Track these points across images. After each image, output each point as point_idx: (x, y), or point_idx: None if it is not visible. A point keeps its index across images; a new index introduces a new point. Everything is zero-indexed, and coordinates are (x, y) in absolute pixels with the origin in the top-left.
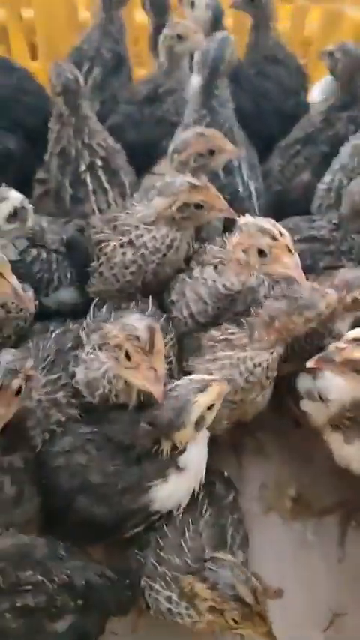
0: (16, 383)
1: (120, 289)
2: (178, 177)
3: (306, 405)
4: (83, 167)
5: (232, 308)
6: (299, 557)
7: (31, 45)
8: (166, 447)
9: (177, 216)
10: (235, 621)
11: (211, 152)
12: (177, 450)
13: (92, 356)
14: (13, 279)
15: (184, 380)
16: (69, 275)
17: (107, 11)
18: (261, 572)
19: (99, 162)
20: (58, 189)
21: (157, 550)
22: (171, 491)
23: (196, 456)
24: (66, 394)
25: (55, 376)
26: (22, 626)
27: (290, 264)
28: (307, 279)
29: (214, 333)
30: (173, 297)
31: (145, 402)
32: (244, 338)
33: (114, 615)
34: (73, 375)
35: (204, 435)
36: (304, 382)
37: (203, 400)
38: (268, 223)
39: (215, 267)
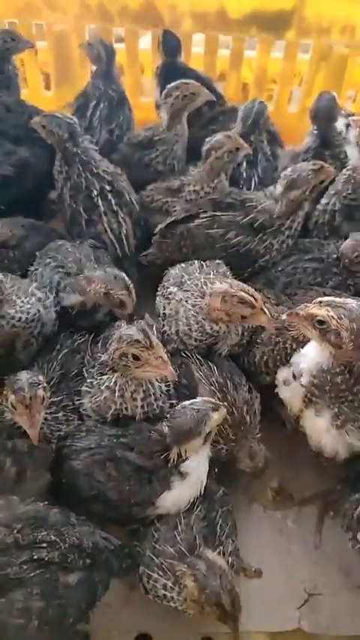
0: (41, 392)
1: None
2: (299, 167)
3: (283, 392)
4: (95, 192)
5: (218, 345)
6: (279, 542)
7: (45, 75)
8: (173, 455)
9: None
10: (211, 617)
11: (237, 149)
12: (181, 458)
13: (97, 382)
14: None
15: (200, 399)
16: None
17: (109, 64)
18: (243, 556)
19: (107, 187)
20: (73, 216)
21: (153, 543)
22: (174, 499)
23: (196, 464)
24: (65, 413)
25: (58, 399)
26: (38, 575)
27: (265, 321)
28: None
29: None
30: (167, 310)
31: (149, 411)
32: None
33: (116, 576)
34: (78, 409)
35: (205, 449)
36: (281, 373)
37: (217, 417)
38: (245, 293)
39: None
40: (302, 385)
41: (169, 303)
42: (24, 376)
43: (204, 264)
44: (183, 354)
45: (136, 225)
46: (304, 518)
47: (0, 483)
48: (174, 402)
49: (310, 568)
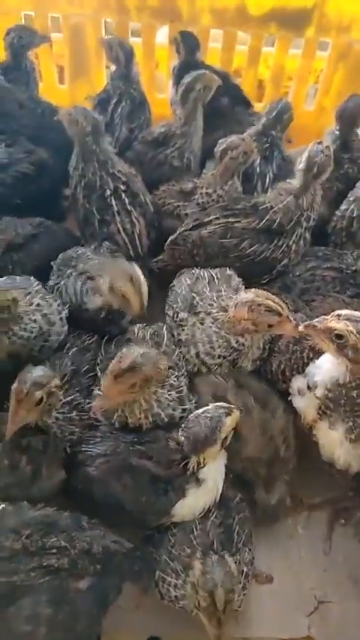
0: (38, 394)
1: None
2: (312, 153)
3: (297, 402)
4: (108, 192)
5: (240, 360)
6: (289, 548)
7: (59, 68)
8: (193, 463)
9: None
10: (198, 608)
11: (251, 152)
12: (200, 465)
13: None
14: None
15: (212, 405)
16: None
17: (128, 67)
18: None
19: (122, 187)
20: (86, 216)
21: (170, 547)
22: (189, 507)
23: (214, 471)
24: (79, 412)
25: (70, 397)
26: (47, 582)
27: (291, 329)
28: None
29: None
30: (183, 336)
31: (157, 420)
32: None
33: (129, 580)
34: (89, 409)
35: (222, 454)
36: (295, 382)
37: (231, 422)
38: (272, 301)
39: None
40: (317, 397)
41: (183, 330)
42: (36, 372)
43: (214, 275)
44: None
45: (150, 226)
46: (314, 524)
47: (16, 482)
48: (187, 407)
49: (320, 575)
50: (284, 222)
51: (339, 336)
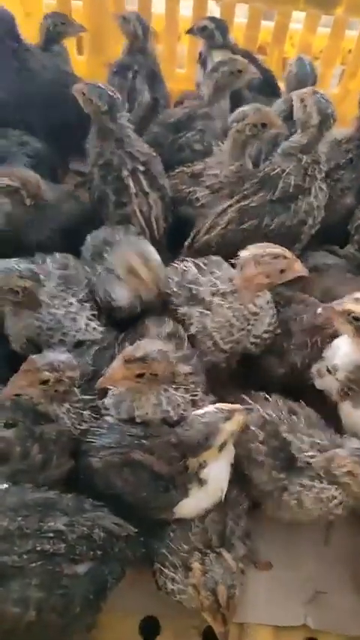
0: (46, 375)
1: None
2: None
3: (320, 384)
4: (126, 173)
5: (252, 332)
6: (290, 538)
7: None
8: (193, 464)
9: None
10: (202, 608)
11: (263, 125)
12: (201, 466)
13: None
14: None
15: (212, 407)
16: None
17: (145, 41)
18: (254, 549)
19: (140, 168)
20: (102, 197)
21: (168, 542)
22: (192, 506)
23: (216, 472)
24: (91, 413)
25: (87, 397)
26: (40, 566)
27: (300, 269)
28: None
29: None
30: (192, 330)
31: (166, 418)
32: None
33: (132, 564)
34: (103, 405)
35: (228, 454)
36: (315, 365)
37: (229, 428)
38: (273, 248)
39: (233, 293)
40: (338, 380)
41: (191, 324)
42: (58, 356)
43: (200, 263)
44: None
45: (167, 210)
46: None
47: (25, 469)
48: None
49: (319, 565)
50: (301, 182)
51: (357, 319)
